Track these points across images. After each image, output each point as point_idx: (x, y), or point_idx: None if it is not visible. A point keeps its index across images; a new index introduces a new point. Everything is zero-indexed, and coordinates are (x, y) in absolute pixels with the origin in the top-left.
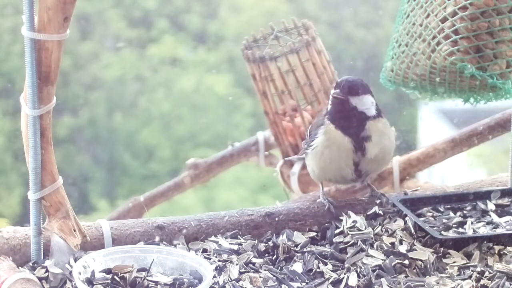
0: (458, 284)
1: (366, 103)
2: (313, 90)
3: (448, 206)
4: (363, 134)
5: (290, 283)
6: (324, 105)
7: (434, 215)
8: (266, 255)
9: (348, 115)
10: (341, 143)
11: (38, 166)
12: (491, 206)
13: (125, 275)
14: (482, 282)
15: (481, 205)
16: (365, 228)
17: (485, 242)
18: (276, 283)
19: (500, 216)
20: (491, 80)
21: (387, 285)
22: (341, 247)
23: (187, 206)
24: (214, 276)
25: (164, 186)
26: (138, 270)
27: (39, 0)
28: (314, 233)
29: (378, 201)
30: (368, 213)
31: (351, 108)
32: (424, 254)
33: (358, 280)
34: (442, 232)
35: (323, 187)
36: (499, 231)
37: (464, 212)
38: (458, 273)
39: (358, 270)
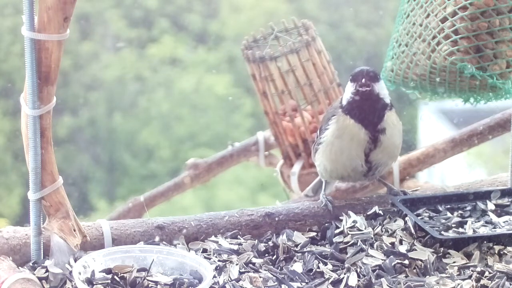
0: (458, 284)
1: (384, 89)
2: (313, 90)
3: (448, 206)
4: (380, 126)
5: (290, 283)
6: (333, 100)
7: (434, 215)
8: (266, 255)
9: (372, 105)
10: (355, 133)
11: (38, 166)
12: (491, 206)
13: (125, 275)
14: (482, 282)
15: (481, 205)
16: (365, 228)
17: (485, 242)
18: (276, 283)
19: (499, 216)
20: (491, 80)
21: (387, 285)
22: (341, 247)
23: (187, 206)
24: (214, 276)
25: (164, 186)
26: (138, 270)
27: (39, 0)
28: (314, 233)
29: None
30: (368, 213)
31: (376, 97)
32: (424, 254)
33: (358, 280)
34: (442, 232)
35: (325, 186)
36: (499, 231)
37: (464, 212)
38: (458, 273)
39: (358, 270)
